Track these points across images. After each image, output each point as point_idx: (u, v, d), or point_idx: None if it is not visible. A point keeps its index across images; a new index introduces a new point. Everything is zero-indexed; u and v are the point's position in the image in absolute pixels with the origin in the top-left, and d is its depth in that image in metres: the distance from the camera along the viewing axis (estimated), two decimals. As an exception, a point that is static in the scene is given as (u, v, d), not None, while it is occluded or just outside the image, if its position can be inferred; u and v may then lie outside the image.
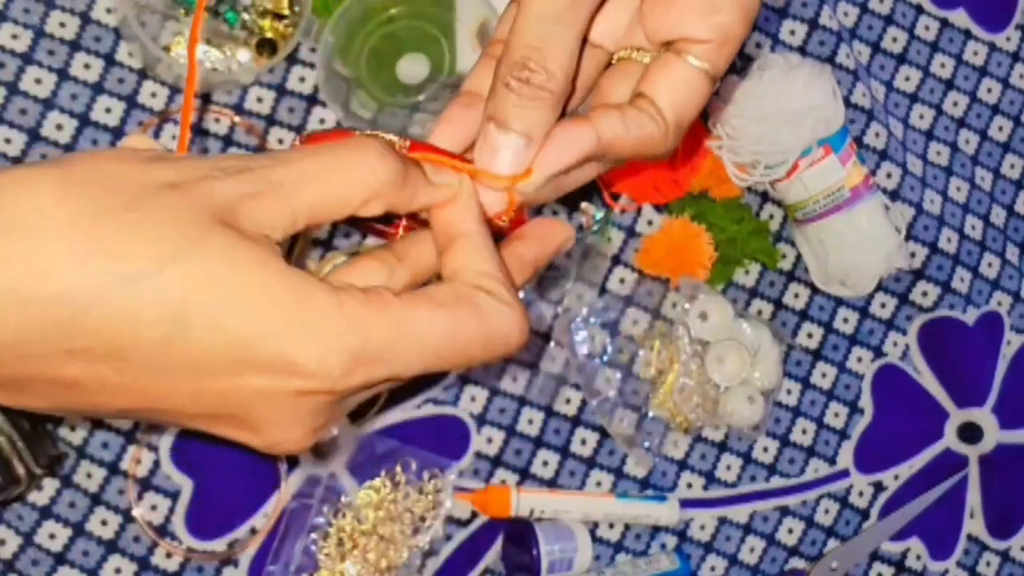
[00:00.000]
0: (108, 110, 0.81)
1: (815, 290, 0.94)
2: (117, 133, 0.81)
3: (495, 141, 0.42)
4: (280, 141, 0.84)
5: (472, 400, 0.87)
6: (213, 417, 0.38)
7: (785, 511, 0.93)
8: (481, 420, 0.88)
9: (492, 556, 0.88)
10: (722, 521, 0.92)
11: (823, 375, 0.94)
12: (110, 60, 0.81)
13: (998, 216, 0.98)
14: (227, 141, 0.83)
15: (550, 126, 0.42)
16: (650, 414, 0.90)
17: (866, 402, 0.95)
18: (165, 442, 0.82)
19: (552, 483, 0.89)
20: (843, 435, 0.95)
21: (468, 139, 0.45)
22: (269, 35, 0.81)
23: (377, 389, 0.39)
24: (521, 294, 0.87)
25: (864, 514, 0.95)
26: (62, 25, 0.81)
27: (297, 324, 0.36)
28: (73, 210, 0.34)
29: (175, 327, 0.35)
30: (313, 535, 0.83)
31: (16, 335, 0.34)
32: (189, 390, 0.36)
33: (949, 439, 0.97)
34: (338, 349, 0.36)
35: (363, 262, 0.42)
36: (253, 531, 0.83)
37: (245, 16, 0.81)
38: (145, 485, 0.82)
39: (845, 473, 0.95)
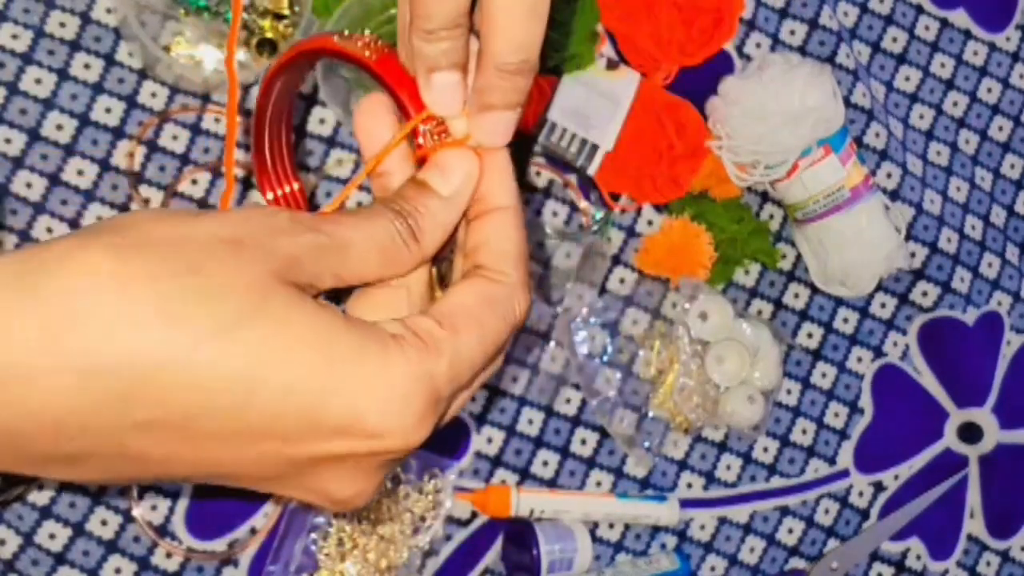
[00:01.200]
0: (108, 110, 0.81)
1: (815, 290, 0.94)
2: (117, 133, 0.81)
3: (435, 84, 0.42)
4: (280, 141, 0.84)
5: (472, 400, 0.87)
6: (282, 480, 0.37)
7: (785, 511, 0.93)
8: (481, 420, 0.88)
9: (492, 556, 0.88)
10: (722, 521, 0.92)
11: (823, 375, 0.94)
12: (110, 60, 0.81)
13: (998, 216, 0.98)
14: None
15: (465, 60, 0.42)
16: (650, 414, 0.90)
17: (866, 402, 0.95)
18: (165, 442, 0.82)
19: (552, 483, 0.89)
20: (843, 435, 0.95)
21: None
22: (269, 35, 0.81)
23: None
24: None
25: (864, 514, 0.95)
26: (62, 25, 0.81)
27: (366, 384, 0.35)
28: (129, 275, 0.33)
29: (243, 393, 0.33)
30: (313, 535, 0.83)
31: (78, 407, 0.33)
32: (259, 455, 0.35)
33: (949, 439, 0.97)
34: (409, 405, 0.36)
35: (380, 294, 0.41)
36: (253, 531, 0.83)
37: (245, 16, 0.81)
38: (145, 485, 0.82)
39: (845, 473, 0.95)
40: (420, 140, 0.42)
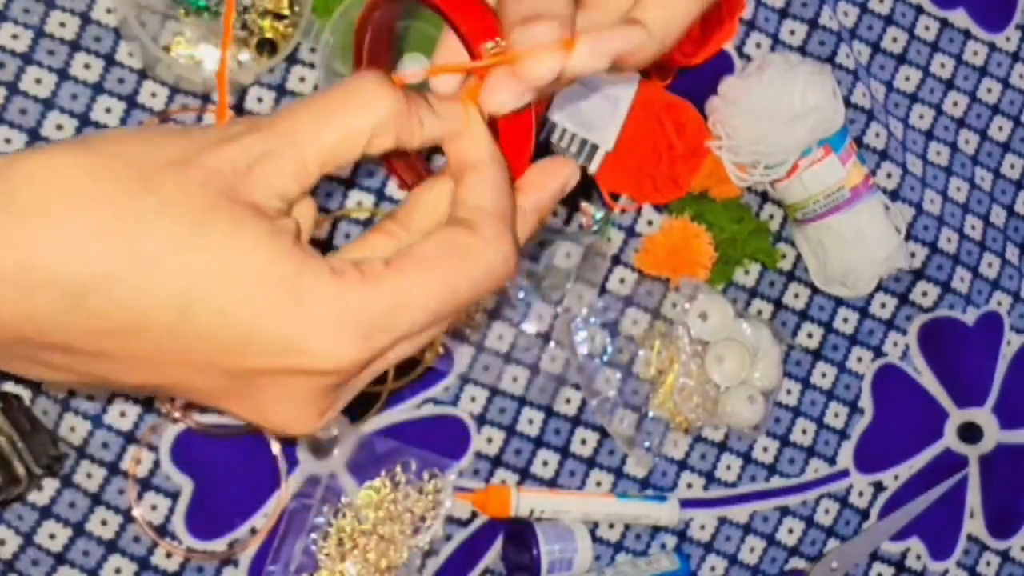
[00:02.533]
0: (108, 110, 0.81)
1: (815, 290, 0.94)
2: (117, 133, 0.81)
3: (534, 34, 0.41)
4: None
5: (472, 400, 0.87)
6: (223, 394, 0.39)
7: (785, 511, 0.93)
8: (481, 420, 0.88)
9: (492, 556, 0.88)
10: (722, 521, 0.92)
11: (823, 375, 0.94)
12: (110, 60, 0.81)
13: (998, 216, 0.98)
14: (227, 141, 0.83)
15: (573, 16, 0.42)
16: (650, 414, 0.90)
17: (866, 402, 0.95)
18: (165, 442, 0.82)
19: (552, 483, 0.89)
20: (843, 435, 0.95)
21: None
22: (269, 35, 0.81)
23: (384, 363, 0.40)
24: (522, 294, 0.87)
25: (864, 514, 0.95)
26: (62, 25, 0.81)
27: (298, 307, 0.36)
28: (94, 192, 0.35)
29: (182, 312, 0.36)
30: (313, 535, 0.83)
31: (32, 311, 0.35)
32: (198, 368, 0.37)
33: (949, 439, 0.97)
34: (339, 329, 0.37)
35: (371, 238, 0.43)
36: (253, 531, 0.83)
37: (245, 16, 0.81)
38: (145, 485, 0.82)
39: (845, 473, 0.95)
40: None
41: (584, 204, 0.89)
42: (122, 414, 0.81)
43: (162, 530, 0.82)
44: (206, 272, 0.35)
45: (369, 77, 0.40)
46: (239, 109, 0.83)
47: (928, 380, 0.97)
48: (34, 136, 0.80)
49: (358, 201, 0.85)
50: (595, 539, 0.89)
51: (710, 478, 0.92)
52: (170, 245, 0.35)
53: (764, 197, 0.93)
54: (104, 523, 0.81)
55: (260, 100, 0.83)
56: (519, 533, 0.86)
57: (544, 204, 0.44)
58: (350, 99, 0.39)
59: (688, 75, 0.90)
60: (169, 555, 0.82)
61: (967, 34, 0.97)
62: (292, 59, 0.83)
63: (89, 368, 0.38)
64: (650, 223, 0.90)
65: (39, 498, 0.80)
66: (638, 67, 0.44)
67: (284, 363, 0.37)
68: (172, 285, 0.35)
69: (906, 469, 0.96)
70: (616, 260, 0.90)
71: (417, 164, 0.48)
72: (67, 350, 0.37)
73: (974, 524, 0.97)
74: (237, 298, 0.36)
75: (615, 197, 0.90)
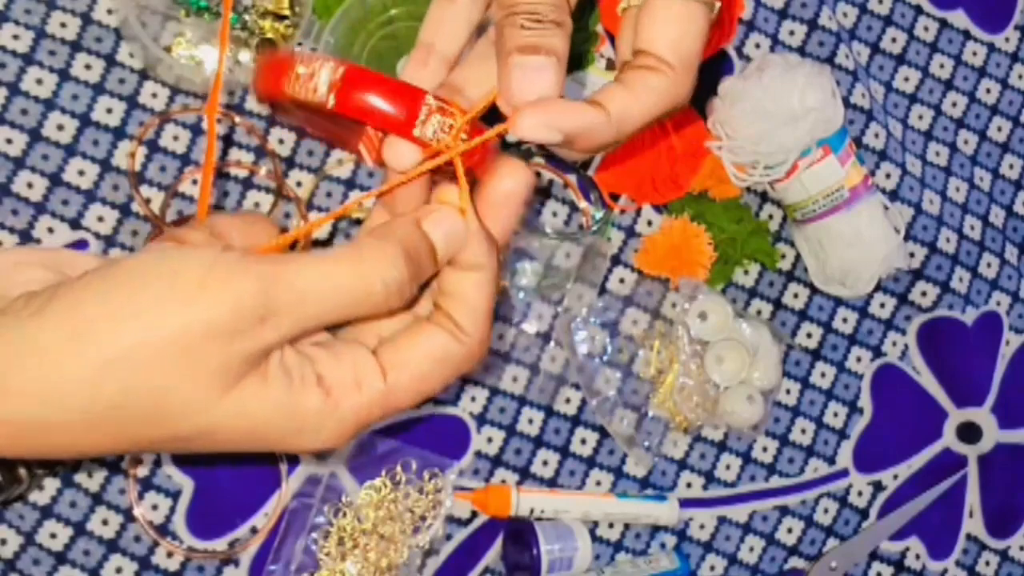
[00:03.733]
0: (109, 110, 0.81)
1: (814, 290, 0.94)
2: (118, 133, 0.82)
3: (529, 64, 0.41)
4: (281, 141, 0.84)
5: (472, 400, 0.88)
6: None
7: (784, 511, 0.93)
8: (481, 420, 0.88)
9: (492, 556, 0.88)
10: (721, 521, 0.92)
11: (822, 375, 0.94)
12: (111, 61, 0.81)
13: (997, 216, 0.98)
14: (227, 141, 0.83)
15: (567, 58, 0.42)
16: (650, 414, 0.90)
17: (865, 402, 0.95)
18: (166, 442, 0.82)
19: (552, 483, 0.89)
20: (842, 435, 0.95)
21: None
22: (269, 36, 0.82)
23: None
24: (522, 294, 0.87)
25: (863, 514, 0.95)
26: (63, 26, 0.81)
27: (304, 444, 0.41)
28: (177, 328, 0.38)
29: (208, 436, 0.40)
30: (314, 535, 0.83)
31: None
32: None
33: (948, 439, 0.97)
34: (340, 437, 0.41)
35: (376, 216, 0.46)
36: (254, 530, 0.84)
37: (246, 17, 0.81)
38: (146, 485, 0.82)
39: (844, 473, 0.95)
40: (428, 138, 0.42)
41: (584, 204, 0.90)
42: (123, 414, 0.81)
43: (163, 529, 0.82)
44: (238, 415, 0.40)
45: (385, 254, 0.41)
46: (240, 110, 0.83)
47: (927, 380, 0.97)
48: (35, 136, 0.80)
49: (339, 159, 0.85)
50: (595, 539, 0.89)
51: (710, 478, 0.92)
52: (205, 400, 0.39)
53: (764, 197, 0.93)
54: (105, 523, 0.81)
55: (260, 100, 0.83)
56: (519, 533, 0.86)
57: (508, 227, 0.45)
58: (362, 279, 0.40)
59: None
60: (170, 555, 0.82)
61: (966, 35, 0.97)
62: (293, 59, 0.83)
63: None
64: (650, 223, 0.90)
65: (40, 497, 0.80)
66: (589, 151, 0.44)
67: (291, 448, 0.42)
68: (194, 422, 0.39)
69: (905, 469, 0.96)
70: (616, 260, 0.90)
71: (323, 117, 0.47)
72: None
73: (973, 524, 0.97)
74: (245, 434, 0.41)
75: (615, 197, 0.90)
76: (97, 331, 0.37)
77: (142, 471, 0.82)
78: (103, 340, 0.37)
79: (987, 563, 0.97)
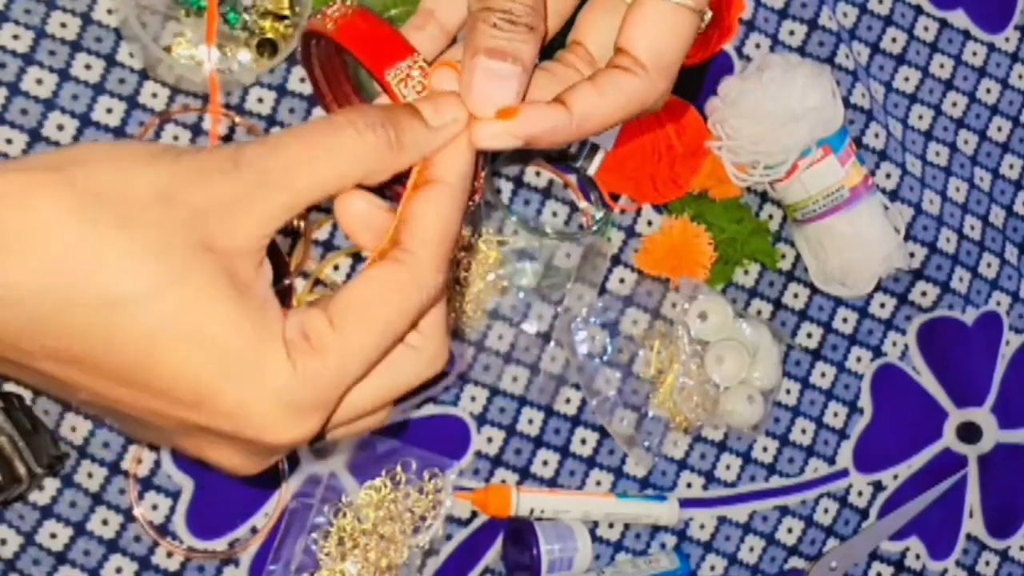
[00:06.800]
0: (109, 110, 0.81)
1: (815, 290, 0.94)
2: (118, 133, 0.82)
3: (493, 70, 0.41)
4: (281, 141, 0.84)
5: (472, 400, 0.88)
6: (175, 436, 0.39)
7: (784, 511, 0.94)
8: (481, 420, 0.88)
9: (492, 556, 0.88)
10: (721, 521, 0.92)
11: (822, 375, 0.94)
12: (111, 61, 0.81)
13: (997, 216, 0.98)
14: (228, 141, 0.83)
15: (534, 65, 0.42)
16: (650, 414, 0.90)
17: (865, 402, 0.95)
18: (166, 442, 0.82)
19: (552, 483, 0.89)
20: (842, 435, 0.95)
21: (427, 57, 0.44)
22: (270, 35, 0.82)
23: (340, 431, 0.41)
24: (522, 294, 0.87)
25: (863, 514, 0.95)
26: (63, 26, 0.81)
27: (251, 382, 0.37)
28: (70, 223, 0.35)
29: (144, 355, 0.36)
30: (314, 535, 0.83)
31: (4, 326, 0.35)
32: (153, 410, 0.38)
33: (948, 439, 0.97)
34: (289, 409, 0.37)
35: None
36: (254, 530, 0.84)
37: (246, 16, 0.81)
38: (146, 484, 0.82)
39: (844, 473, 0.95)
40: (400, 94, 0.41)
41: (584, 204, 0.90)
42: (123, 414, 0.81)
43: (163, 529, 0.82)
44: (174, 322, 0.35)
45: (357, 116, 0.39)
46: (240, 110, 0.83)
47: (927, 380, 0.97)
48: (35, 136, 0.80)
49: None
50: (595, 539, 0.89)
51: (710, 478, 0.92)
52: (143, 288, 0.35)
53: (764, 197, 0.93)
54: (105, 523, 0.81)
55: (261, 100, 0.84)
56: (519, 533, 0.86)
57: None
58: (338, 142, 0.38)
59: (688, 75, 0.90)
60: (170, 554, 0.82)
61: (966, 35, 0.97)
62: (293, 59, 0.84)
63: (47, 385, 0.38)
64: (650, 223, 0.91)
65: (40, 498, 0.80)
66: (546, 147, 0.43)
67: (229, 429, 0.37)
68: (138, 327, 0.35)
69: (905, 469, 0.96)
70: (616, 260, 0.90)
71: (346, 86, 0.47)
72: (28, 361, 0.37)
73: (973, 524, 0.97)
74: (197, 356, 0.36)
75: (615, 197, 0.90)
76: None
77: (142, 471, 0.82)
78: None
79: (987, 563, 0.97)
